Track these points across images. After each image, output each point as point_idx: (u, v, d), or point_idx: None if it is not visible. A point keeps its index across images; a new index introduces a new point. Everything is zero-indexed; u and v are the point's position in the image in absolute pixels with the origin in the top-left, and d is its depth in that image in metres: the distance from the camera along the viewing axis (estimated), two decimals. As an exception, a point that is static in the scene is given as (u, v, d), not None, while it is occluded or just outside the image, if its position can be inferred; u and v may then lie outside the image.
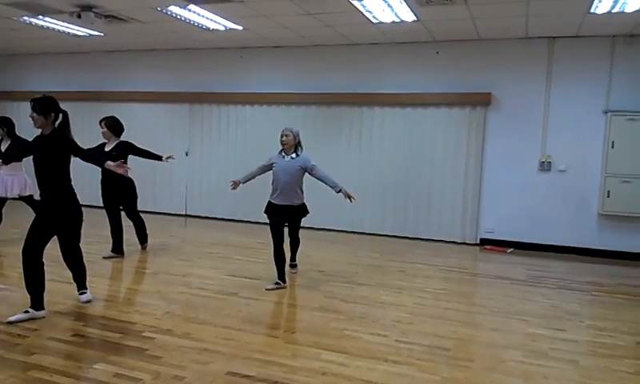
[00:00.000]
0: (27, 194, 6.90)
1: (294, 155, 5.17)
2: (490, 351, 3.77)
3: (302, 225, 5.47)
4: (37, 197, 4.22)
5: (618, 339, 4.12)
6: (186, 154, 9.68)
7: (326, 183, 5.23)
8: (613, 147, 7.18)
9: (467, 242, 8.03)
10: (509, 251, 7.60)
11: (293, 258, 5.72)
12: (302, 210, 5.34)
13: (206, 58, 9.43)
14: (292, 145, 5.15)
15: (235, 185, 5.33)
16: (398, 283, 5.58)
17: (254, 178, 5.38)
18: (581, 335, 4.23)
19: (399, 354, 3.62)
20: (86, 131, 10.44)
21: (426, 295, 5.17)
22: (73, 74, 10.43)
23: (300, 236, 5.56)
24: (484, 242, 7.97)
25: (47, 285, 4.12)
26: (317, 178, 5.24)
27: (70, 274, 4.46)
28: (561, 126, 7.51)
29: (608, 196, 7.23)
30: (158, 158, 6.35)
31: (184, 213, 9.81)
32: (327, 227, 8.68)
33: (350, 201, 5.21)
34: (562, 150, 7.53)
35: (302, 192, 5.29)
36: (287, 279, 5.27)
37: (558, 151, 7.55)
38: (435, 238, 8.17)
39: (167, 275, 5.53)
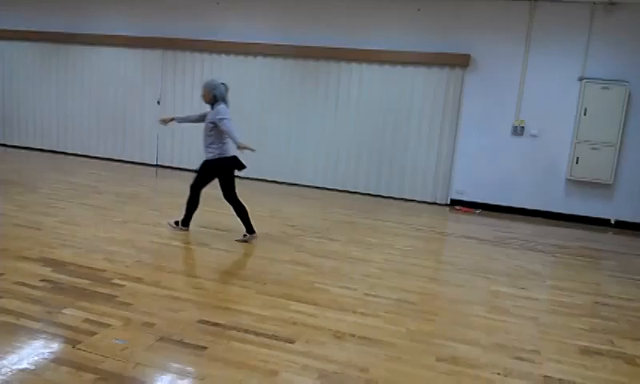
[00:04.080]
0: None
1: (211, 108, 5.09)
2: (455, 306, 3.89)
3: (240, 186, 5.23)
4: None
5: (577, 299, 4.30)
6: (158, 103, 9.45)
7: (230, 138, 5.03)
8: (585, 114, 7.30)
9: (438, 202, 8.16)
10: (477, 212, 7.77)
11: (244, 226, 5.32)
12: (214, 166, 5.07)
13: (181, 2, 9.10)
14: (208, 98, 5.06)
15: (165, 121, 5.32)
16: (368, 240, 5.66)
17: (188, 122, 5.37)
18: (542, 294, 4.40)
19: (367, 307, 3.70)
20: (53, 75, 10.11)
21: (395, 252, 5.27)
22: (38, 13, 9.95)
23: (242, 201, 5.21)
24: (454, 202, 8.11)
25: (14, 230, 4.02)
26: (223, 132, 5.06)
27: (38, 219, 4.36)
28: (536, 91, 7.59)
29: (577, 162, 7.40)
30: None
31: (155, 163, 9.66)
32: (300, 183, 8.68)
33: (251, 150, 4.92)
34: (535, 115, 7.63)
35: (216, 146, 5.02)
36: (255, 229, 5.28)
37: (532, 116, 7.65)
38: (407, 198, 8.28)
39: (137, 224, 5.48)
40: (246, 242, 5.17)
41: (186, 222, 5.35)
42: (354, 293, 3.97)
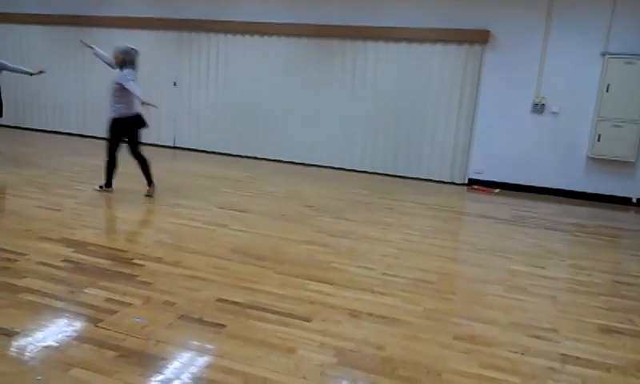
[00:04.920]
0: None
1: (120, 70, 5.54)
2: (473, 285, 3.88)
3: (138, 143, 5.76)
4: None
5: (596, 277, 4.25)
6: (174, 85, 9.48)
7: (134, 96, 5.52)
8: (608, 91, 7.13)
9: (456, 181, 8.09)
10: (495, 192, 7.69)
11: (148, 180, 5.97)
12: (121, 124, 5.61)
13: (195, -16, 9.06)
14: (119, 61, 5.52)
15: (85, 44, 6.12)
16: (385, 220, 5.65)
17: (101, 59, 5.96)
18: (560, 273, 4.36)
19: (384, 286, 3.71)
20: (71, 58, 10.19)
21: (412, 232, 5.25)
22: (56, -3, 10.00)
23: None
24: (472, 182, 8.04)
25: (36, 211, 4.11)
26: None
27: (59, 201, 4.44)
28: (557, 67, 7.42)
29: (598, 140, 7.26)
30: (29, 73, 7.14)
31: (172, 145, 9.72)
32: (317, 163, 8.67)
33: (153, 106, 5.59)
34: (556, 92, 7.47)
35: (121, 105, 5.55)
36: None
37: (553, 93, 7.49)
38: (424, 177, 8.22)
39: (156, 205, 5.54)
40: (150, 196, 5.81)
41: (109, 184, 5.86)
42: (371, 272, 3.98)
